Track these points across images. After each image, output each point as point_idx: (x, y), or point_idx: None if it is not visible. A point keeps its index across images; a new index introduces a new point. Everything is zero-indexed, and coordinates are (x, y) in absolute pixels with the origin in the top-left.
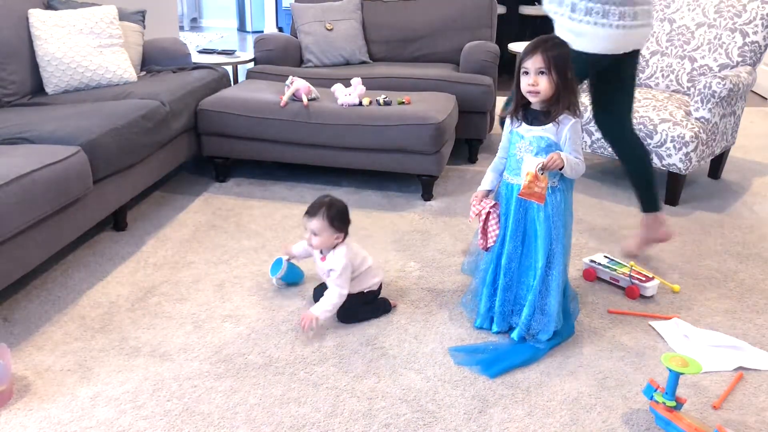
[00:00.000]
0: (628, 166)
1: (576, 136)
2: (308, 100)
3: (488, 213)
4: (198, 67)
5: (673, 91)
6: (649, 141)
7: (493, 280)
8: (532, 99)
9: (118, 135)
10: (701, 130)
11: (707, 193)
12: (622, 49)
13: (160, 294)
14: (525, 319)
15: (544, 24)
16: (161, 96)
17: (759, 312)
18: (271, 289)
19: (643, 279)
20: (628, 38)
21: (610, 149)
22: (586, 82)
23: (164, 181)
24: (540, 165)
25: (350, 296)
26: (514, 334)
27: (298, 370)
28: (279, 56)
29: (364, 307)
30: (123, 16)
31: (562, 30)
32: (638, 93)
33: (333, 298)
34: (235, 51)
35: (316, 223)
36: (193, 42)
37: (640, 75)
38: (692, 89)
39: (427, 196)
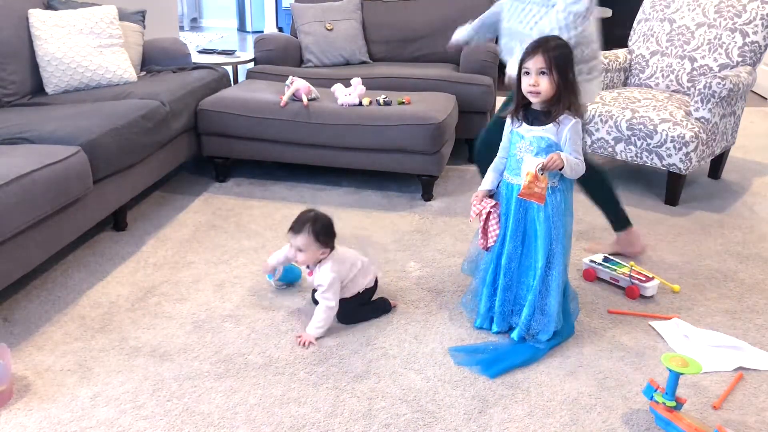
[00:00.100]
0: (590, 190)
1: (576, 137)
2: (308, 100)
3: (489, 213)
4: (198, 67)
5: (673, 91)
6: (649, 141)
7: (493, 280)
8: (533, 99)
9: (118, 135)
10: (701, 130)
11: (707, 193)
12: (591, 100)
13: (160, 294)
14: (525, 319)
15: None
16: (161, 96)
17: (759, 312)
18: (271, 289)
19: (643, 279)
20: (597, 90)
21: (610, 149)
22: None
23: (164, 181)
24: (540, 165)
25: (347, 300)
26: (514, 334)
27: (298, 370)
28: (279, 56)
29: (363, 307)
30: (123, 16)
31: None
32: (638, 93)
33: (321, 314)
34: (235, 51)
35: (302, 239)
36: (193, 42)
37: (641, 75)
38: (692, 89)
39: (427, 196)
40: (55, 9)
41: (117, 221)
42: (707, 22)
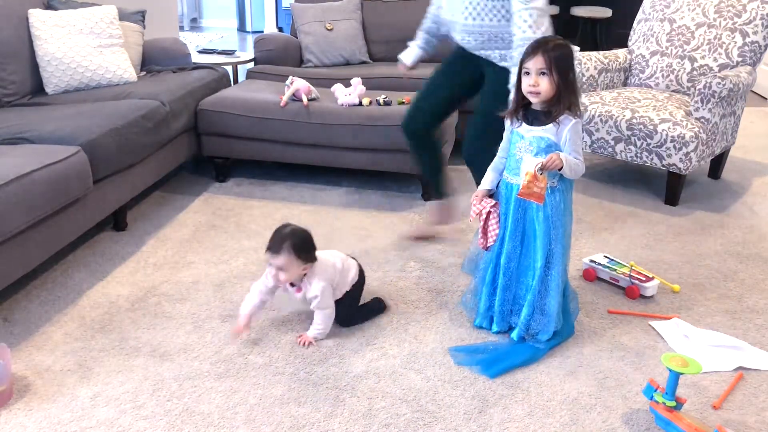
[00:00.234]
0: (424, 156)
1: (576, 137)
2: (308, 100)
3: (489, 213)
4: (198, 67)
5: (673, 91)
6: (649, 141)
7: (492, 279)
8: (533, 99)
9: (118, 135)
10: (701, 130)
11: (707, 193)
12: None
13: (160, 294)
14: (524, 319)
15: None
16: (161, 96)
17: (759, 312)
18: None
19: (643, 279)
20: None
21: (610, 149)
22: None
23: (164, 181)
24: (539, 165)
25: (340, 301)
26: (514, 334)
27: (298, 370)
28: (279, 56)
29: (360, 309)
30: (123, 16)
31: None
32: (638, 93)
33: (321, 319)
34: (235, 51)
35: (282, 258)
36: (193, 42)
37: (641, 75)
38: (692, 89)
39: (427, 196)
40: (55, 9)
41: (117, 221)
42: (707, 22)
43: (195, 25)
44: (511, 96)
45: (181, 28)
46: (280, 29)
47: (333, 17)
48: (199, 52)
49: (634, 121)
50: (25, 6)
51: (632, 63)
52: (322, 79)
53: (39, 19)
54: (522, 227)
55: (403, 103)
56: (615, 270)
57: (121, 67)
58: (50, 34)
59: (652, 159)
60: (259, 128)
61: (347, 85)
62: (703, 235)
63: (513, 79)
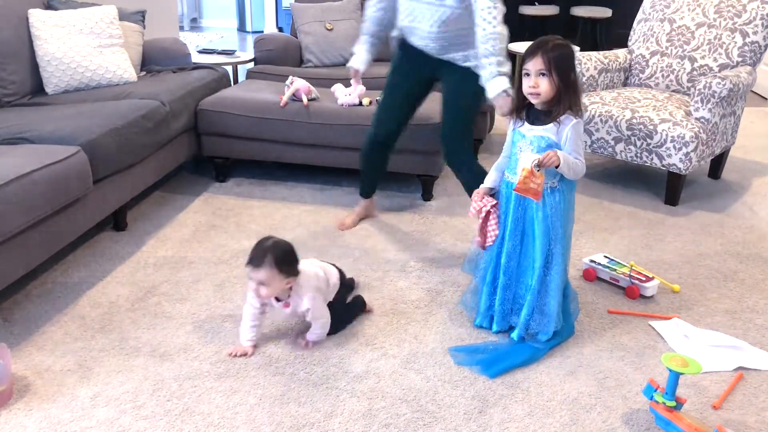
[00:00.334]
0: (378, 162)
1: (576, 137)
2: (308, 100)
3: (488, 212)
4: (198, 67)
5: (673, 91)
6: (649, 141)
7: (493, 278)
8: (533, 100)
9: (118, 135)
10: (701, 130)
11: (707, 193)
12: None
13: (160, 294)
14: (524, 319)
15: (544, 24)
16: (161, 96)
17: (759, 312)
18: None
19: (643, 279)
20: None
21: (610, 149)
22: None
23: (164, 181)
24: (536, 161)
25: (329, 308)
26: (514, 334)
27: (298, 370)
28: (279, 56)
29: (347, 311)
30: (123, 16)
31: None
32: (638, 93)
33: (319, 327)
34: (235, 51)
35: (264, 272)
36: (193, 42)
37: (641, 75)
38: (692, 89)
39: (427, 196)
40: (55, 9)
41: (117, 221)
42: (707, 22)
43: (195, 25)
44: (491, 94)
45: (181, 28)
46: (280, 29)
47: (333, 17)
48: (199, 52)
49: (634, 121)
50: (25, 6)
51: (632, 63)
52: (322, 79)
53: (39, 19)
54: (522, 226)
55: None
56: (615, 270)
57: (121, 67)
58: (50, 34)
59: (652, 159)
60: (259, 128)
61: (347, 85)
62: (703, 235)
63: (493, 86)
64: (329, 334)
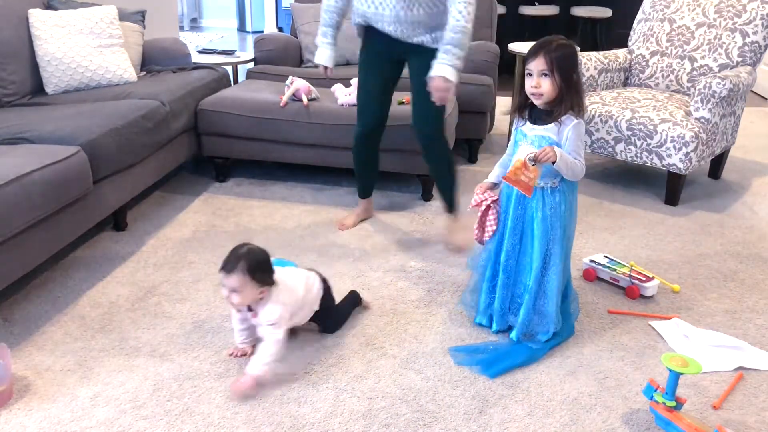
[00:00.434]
0: (371, 158)
1: (577, 137)
2: (308, 100)
3: (488, 206)
4: (198, 67)
5: (673, 91)
6: (649, 141)
7: (492, 276)
8: (535, 101)
9: (118, 135)
10: (701, 130)
11: (707, 193)
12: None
13: (160, 294)
14: (522, 319)
15: (544, 24)
16: (161, 96)
17: (759, 312)
18: None
19: (643, 279)
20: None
21: (610, 149)
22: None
23: (164, 181)
24: (531, 155)
25: (319, 315)
26: (513, 335)
27: (298, 370)
28: (279, 56)
29: (340, 311)
30: (123, 16)
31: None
32: (638, 93)
33: (271, 347)
34: (235, 51)
35: (236, 279)
36: (193, 42)
37: (641, 75)
38: (692, 89)
39: (427, 196)
40: (55, 9)
41: (117, 221)
42: (707, 22)
43: (195, 25)
44: (433, 73)
45: (181, 28)
46: (280, 29)
47: None
48: (199, 52)
49: (634, 121)
50: (25, 6)
51: (632, 63)
52: (322, 79)
53: (39, 19)
54: (521, 226)
55: (402, 103)
56: (615, 270)
57: (121, 67)
58: (50, 34)
59: (652, 159)
60: (259, 128)
61: (347, 85)
62: (703, 235)
63: (440, 69)
64: (326, 332)
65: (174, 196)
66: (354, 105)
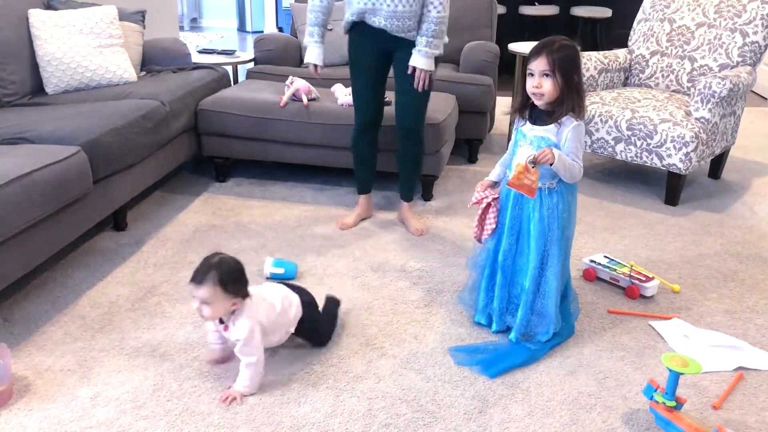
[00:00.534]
0: (369, 154)
1: (576, 139)
2: (308, 100)
3: (488, 204)
4: (198, 67)
5: (673, 91)
6: (649, 141)
7: (490, 275)
8: (536, 101)
9: (118, 135)
10: (701, 130)
11: (707, 193)
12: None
13: (160, 294)
14: (520, 320)
15: (544, 24)
16: (161, 96)
17: (759, 312)
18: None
19: (643, 279)
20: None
21: (610, 149)
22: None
23: (164, 181)
24: (531, 158)
25: (302, 330)
26: (512, 335)
27: (298, 370)
28: (279, 56)
29: (326, 322)
30: (123, 16)
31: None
32: (638, 93)
33: (246, 372)
34: (235, 51)
35: (206, 290)
36: (193, 42)
37: (641, 75)
38: (692, 89)
39: (427, 196)
40: (55, 9)
41: (117, 221)
42: (707, 22)
43: (195, 25)
44: (412, 62)
45: (181, 28)
46: (280, 29)
47: (333, 17)
48: (199, 52)
49: (634, 121)
50: (25, 6)
51: (632, 63)
52: (322, 79)
53: (39, 19)
54: (518, 225)
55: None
56: (615, 270)
57: (121, 67)
58: (50, 34)
59: (652, 159)
60: (259, 128)
61: (347, 85)
62: (703, 235)
63: (419, 60)
64: (316, 345)
65: (174, 196)
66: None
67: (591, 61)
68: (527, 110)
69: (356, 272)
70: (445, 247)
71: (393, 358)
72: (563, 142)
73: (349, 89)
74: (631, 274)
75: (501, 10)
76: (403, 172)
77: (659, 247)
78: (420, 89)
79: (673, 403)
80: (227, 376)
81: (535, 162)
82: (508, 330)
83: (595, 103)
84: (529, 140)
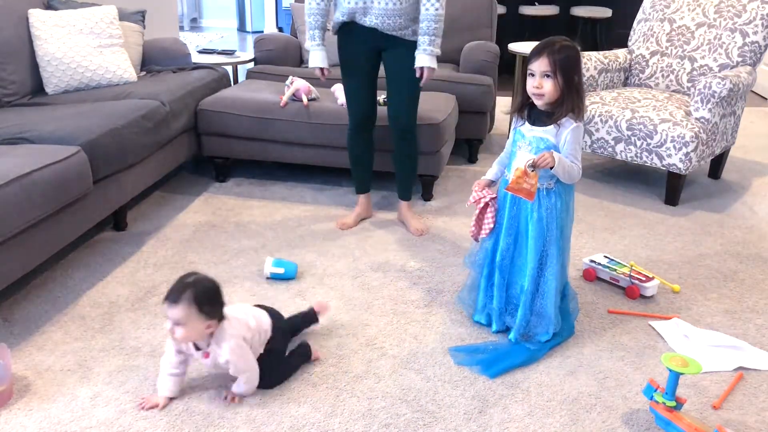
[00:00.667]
0: (367, 154)
1: (575, 141)
2: (308, 100)
3: (486, 204)
4: (198, 67)
5: (673, 91)
6: (649, 141)
7: (488, 274)
8: (536, 101)
9: (118, 135)
10: (701, 130)
11: (707, 193)
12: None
13: (160, 294)
14: (520, 320)
15: (544, 24)
16: (161, 96)
17: (759, 312)
18: (271, 288)
19: (643, 279)
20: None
21: (610, 149)
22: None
23: (164, 181)
24: (530, 161)
25: (263, 360)
26: (511, 336)
27: (298, 369)
28: (279, 56)
29: (287, 363)
30: (123, 16)
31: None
32: (638, 93)
33: (244, 381)
34: (235, 51)
35: (180, 310)
36: (193, 42)
37: (641, 75)
38: (692, 89)
39: (427, 196)
40: (55, 9)
41: (117, 221)
42: (707, 22)
43: (195, 25)
44: (418, 64)
45: (181, 28)
46: (280, 29)
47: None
48: (199, 52)
49: (634, 121)
50: (25, 6)
51: (632, 63)
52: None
53: (39, 19)
54: (516, 226)
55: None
56: (615, 270)
57: (121, 67)
58: (50, 34)
59: (652, 159)
60: (259, 128)
61: None
62: (703, 235)
63: (423, 59)
64: (264, 387)
65: (174, 196)
66: None
67: (591, 61)
68: (526, 110)
69: (356, 272)
70: (445, 247)
71: (393, 358)
72: (562, 144)
73: None
74: (631, 274)
75: (501, 10)
76: (400, 171)
77: (659, 247)
78: (423, 84)
79: (673, 403)
80: (227, 377)
81: (534, 166)
82: (507, 330)
83: (595, 103)
84: (527, 141)
